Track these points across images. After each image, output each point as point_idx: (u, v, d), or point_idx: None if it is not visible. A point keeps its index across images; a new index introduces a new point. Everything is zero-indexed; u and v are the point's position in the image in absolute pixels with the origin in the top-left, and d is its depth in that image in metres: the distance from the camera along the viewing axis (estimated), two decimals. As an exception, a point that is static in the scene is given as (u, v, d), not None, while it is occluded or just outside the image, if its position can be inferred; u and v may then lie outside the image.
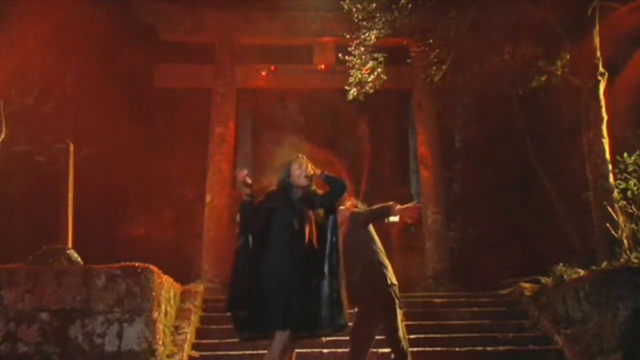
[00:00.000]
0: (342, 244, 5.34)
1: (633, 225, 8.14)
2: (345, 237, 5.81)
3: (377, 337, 6.21)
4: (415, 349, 6.78)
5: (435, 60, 10.86)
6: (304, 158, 5.30)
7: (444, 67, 10.75)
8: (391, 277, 6.04)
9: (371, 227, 6.21)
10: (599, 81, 9.69)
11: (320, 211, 5.21)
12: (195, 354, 7.38)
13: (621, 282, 6.59)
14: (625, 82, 10.83)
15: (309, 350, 7.20)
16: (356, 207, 6.33)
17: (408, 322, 6.50)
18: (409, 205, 6.04)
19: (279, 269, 4.94)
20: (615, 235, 8.32)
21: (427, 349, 7.34)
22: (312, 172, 5.20)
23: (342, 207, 6.14)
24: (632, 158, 8.45)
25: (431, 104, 13.52)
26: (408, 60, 12.66)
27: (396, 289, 6.02)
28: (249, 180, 5.11)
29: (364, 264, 5.98)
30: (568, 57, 10.28)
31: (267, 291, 4.91)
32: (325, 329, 5.14)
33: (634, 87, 11.07)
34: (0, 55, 9.84)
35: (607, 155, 9.50)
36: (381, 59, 10.58)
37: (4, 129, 9.62)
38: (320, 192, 5.26)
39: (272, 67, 13.75)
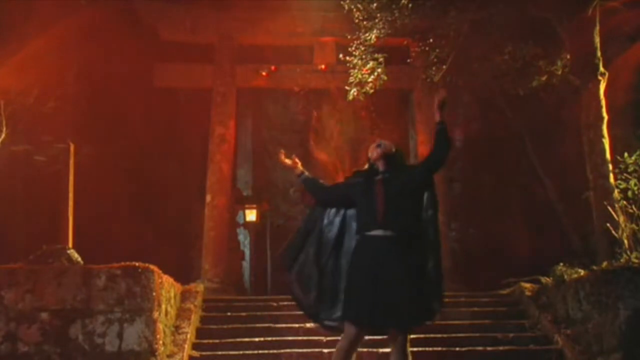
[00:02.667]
0: None
1: (633, 225, 8.12)
2: None
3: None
4: (415, 349, 6.76)
5: (435, 60, 10.85)
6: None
7: (444, 67, 10.74)
8: None
9: None
10: (599, 81, 9.67)
11: (414, 185, 4.93)
12: (196, 353, 7.37)
13: (621, 282, 6.57)
14: (619, 80, 10.81)
15: (308, 350, 7.21)
16: None
17: (408, 322, 6.48)
18: None
19: (362, 257, 4.74)
20: (616, 235, 8.31)
21: (427, 349, 7.32)
22: (387, 144, 5.11)
23: None
24: (632, 158, 8.43)
25: (431, 104, 13.48)
26: (408, 60, 12.66)
27: None
28: (287, 161, 5.17)
29: None
30: (568, 57, 10.27)
31: (345, 279, 4.77)
32: (409, 323, 4.74)
33: (628, 86, 11.07)
34: (1, 55, 9.84)
35: (607, 155, 9.48)
36: (381, 59, 10.57)
37: (4, 129, 9.61)
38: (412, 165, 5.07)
39: (272, 67, 13.76)
